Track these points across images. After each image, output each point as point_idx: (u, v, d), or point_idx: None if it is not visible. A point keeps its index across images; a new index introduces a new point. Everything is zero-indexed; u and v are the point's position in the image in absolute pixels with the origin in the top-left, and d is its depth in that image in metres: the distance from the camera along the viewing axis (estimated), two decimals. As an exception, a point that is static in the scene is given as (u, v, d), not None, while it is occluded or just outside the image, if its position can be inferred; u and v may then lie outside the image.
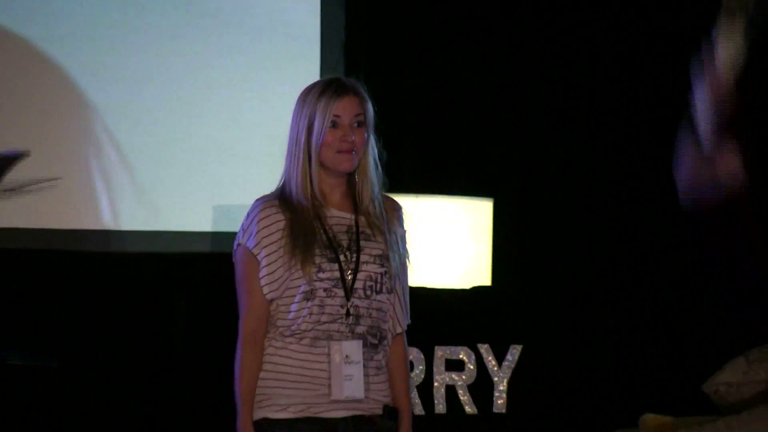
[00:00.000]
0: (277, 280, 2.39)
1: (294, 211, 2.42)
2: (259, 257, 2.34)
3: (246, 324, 2.43)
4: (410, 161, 3.37)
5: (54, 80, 3.60)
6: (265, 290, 2.37)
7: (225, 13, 3.48)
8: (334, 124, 2.37)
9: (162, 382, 3.57)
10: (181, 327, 3.51)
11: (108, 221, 3.59)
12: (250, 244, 2.35)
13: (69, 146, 3.63)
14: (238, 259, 2.41)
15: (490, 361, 3.58)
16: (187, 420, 3.66)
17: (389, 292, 2.52)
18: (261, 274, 2.38)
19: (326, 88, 2.45)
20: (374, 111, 2.46)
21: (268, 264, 2.35)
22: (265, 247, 2.35)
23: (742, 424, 3.20)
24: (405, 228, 2.58)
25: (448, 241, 3.32)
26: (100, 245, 3.52)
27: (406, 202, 2.66)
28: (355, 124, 2.42)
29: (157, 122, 3.33)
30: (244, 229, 2.39)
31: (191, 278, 3.47)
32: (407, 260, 2.54)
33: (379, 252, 2.47)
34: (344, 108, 2.42)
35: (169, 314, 3.53)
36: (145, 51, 3.51)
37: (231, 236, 2.59)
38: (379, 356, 2.53)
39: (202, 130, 3.26)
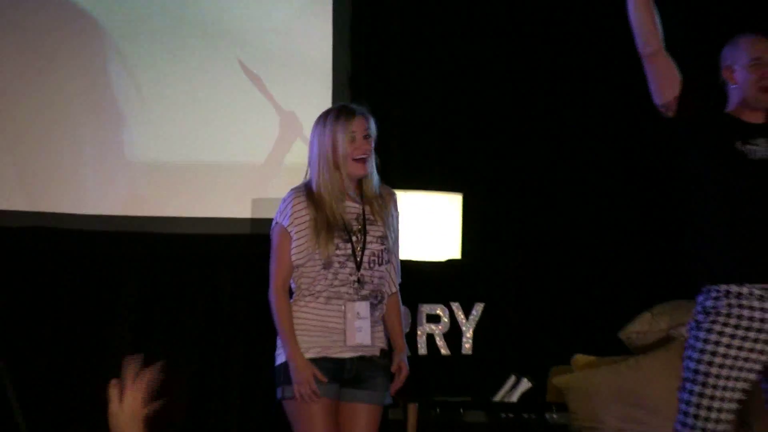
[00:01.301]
0: (303, 251, 2.91)
1: (319, 201, 2.96)
2: (291, 233, 2.87)
3: (276, 280, 2.93)
4: (397, 164, 4.11)
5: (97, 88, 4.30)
6: (294, 258, 2.89)
7: (258, 50, 4.24)
8: (352, 139, 2.92)
9: (212, 345, 4.31)
10: (227, 296, 4.23)
11: (164, 209, 4.28)
12: (285, 223, 2.87)
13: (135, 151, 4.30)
14: (275, 233, 2.92)
15: (460, 315, 4.33)
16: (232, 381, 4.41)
17: (387, 263, 3.04)
18: (292, 246, 2.90)
19: (341, 113, 3.00)
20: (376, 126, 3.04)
21: (298, 239, 2.86)
22: (296, 225, 2.87)
23: (647, 362, 4.10)
24: (398, 210, 3.13)
25: (428, 226, 4.07)
26: (166, 227, 4.20)
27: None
28: (365, 137, 2.96)
29: (204, 139, 4.14)
30: (280, 211, 2.91)
31: (234, 256, 4.20)
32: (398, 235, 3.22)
33: (380, 233, 3.01)
34: (357, 126, 2.95)
35: (216, 286, 4.26)
36: (189, 78, 4.25)
37: (266, 221, 3.23)
38: (378, 313, 3.05)
39: (239, 144, 4.05)
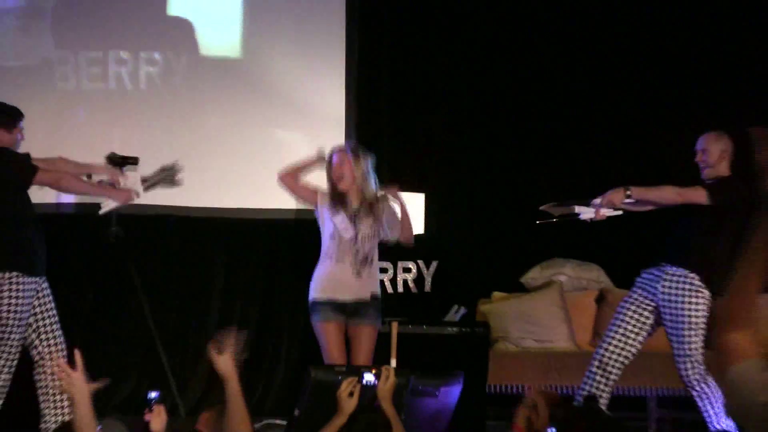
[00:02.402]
0: (323, 224, 4.35)
1: (336, 197, 4.33)
2: (323, 212, 4.37)
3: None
4: (386, 176, 4.97)
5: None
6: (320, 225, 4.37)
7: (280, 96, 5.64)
8: (331, 166, 4.33)
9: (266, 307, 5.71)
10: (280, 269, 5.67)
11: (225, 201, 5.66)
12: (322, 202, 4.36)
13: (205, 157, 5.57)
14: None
15: (423, 268, 5.78)
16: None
17: (376, 237, 4.37)
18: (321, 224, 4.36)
19: (333, 152, 4.40)
20: (368, 157, 4.34)
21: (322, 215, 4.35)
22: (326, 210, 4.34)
23: (537, 296, 5.51)
24: (390, 203, 4.43)
25: (394, 221, 4.75)
26: (231, 214, 5.64)
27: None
28: (344, 164, 4.27)
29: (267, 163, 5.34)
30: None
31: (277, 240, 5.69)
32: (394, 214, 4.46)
33: (371, 221, 4.35)
34: (338, 158, 4.34)
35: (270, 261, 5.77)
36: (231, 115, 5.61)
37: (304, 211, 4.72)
38: (367, 270, 4.35)
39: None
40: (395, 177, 5.09)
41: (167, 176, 4.60)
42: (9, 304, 4.07)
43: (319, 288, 4.47)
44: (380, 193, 4.47)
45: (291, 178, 4.43)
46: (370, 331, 4.51)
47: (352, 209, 4.41)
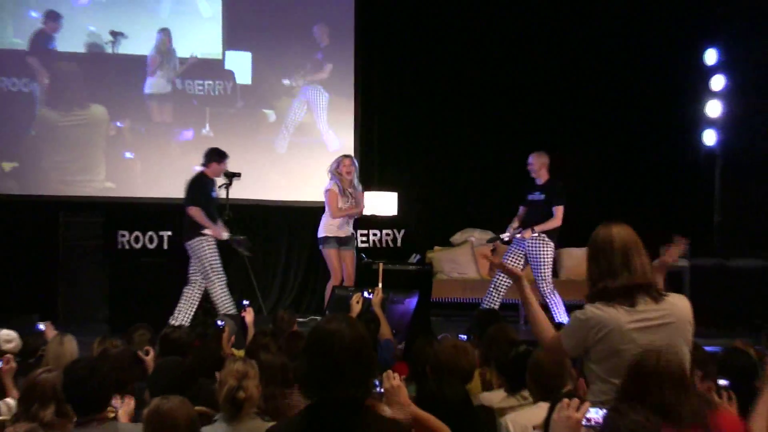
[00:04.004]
0: (334, 200, 8.00)
1: (342, 187, 8.02)
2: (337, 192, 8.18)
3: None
4: (375, 181, 9.52)
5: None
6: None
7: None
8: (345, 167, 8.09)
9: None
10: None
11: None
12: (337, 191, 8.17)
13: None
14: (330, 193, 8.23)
15: (397, 233, 9.49)
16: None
17: (361, 215, 8.27)
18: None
19: (342, 158, 8.23)
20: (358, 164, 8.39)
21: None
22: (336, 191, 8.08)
23: (459, 249, 9.69)
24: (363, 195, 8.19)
25: (380, 207, 9.07)
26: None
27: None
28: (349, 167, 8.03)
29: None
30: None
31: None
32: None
33: (356, 201, 8.02)
34: (345, 163, 8.13)
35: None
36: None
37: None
38: (352, 222, 8.14)
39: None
40: (381, 180, 9.47)
41: (244, 246, 8.12)
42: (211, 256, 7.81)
43: (326, 230, 8.15)
44: (360, 186, 8.33)
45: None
46: (352, 254, 8.21)
47: (348, 194, 8.09)
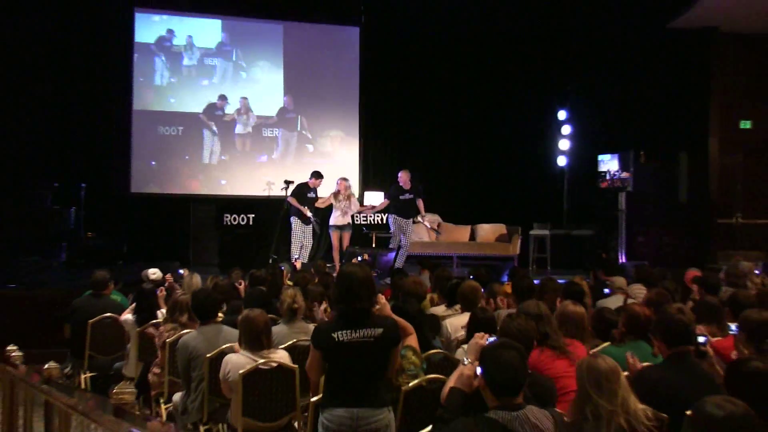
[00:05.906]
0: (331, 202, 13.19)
1: (336, 195, 13.30)
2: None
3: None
4: (368, 182, 16.28)
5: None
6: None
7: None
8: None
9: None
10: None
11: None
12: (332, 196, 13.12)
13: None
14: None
15: (381, 215, 15.84)
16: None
17: (351, 207, 13.24)
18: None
19: (340, 180, 13.95)
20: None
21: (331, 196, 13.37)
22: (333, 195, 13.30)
23: (420, 225, 17.23)
24: (354, 195, 13.49)
25: (374, 200, 14.65)
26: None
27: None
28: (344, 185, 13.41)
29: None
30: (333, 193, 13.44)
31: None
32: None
33: (348, 203, 13.23)
34: (341, 183, 13.47)
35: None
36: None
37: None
38: (349, 214, 13.26)
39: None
40: (374, 183, 16.31)
41: (314, 223, 13.80)
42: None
43: (331, 220, 13.34)
44: (353, 195, 14.06)
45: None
46: (348, 234, 13.10)
47: (340, 200, 13.29)
